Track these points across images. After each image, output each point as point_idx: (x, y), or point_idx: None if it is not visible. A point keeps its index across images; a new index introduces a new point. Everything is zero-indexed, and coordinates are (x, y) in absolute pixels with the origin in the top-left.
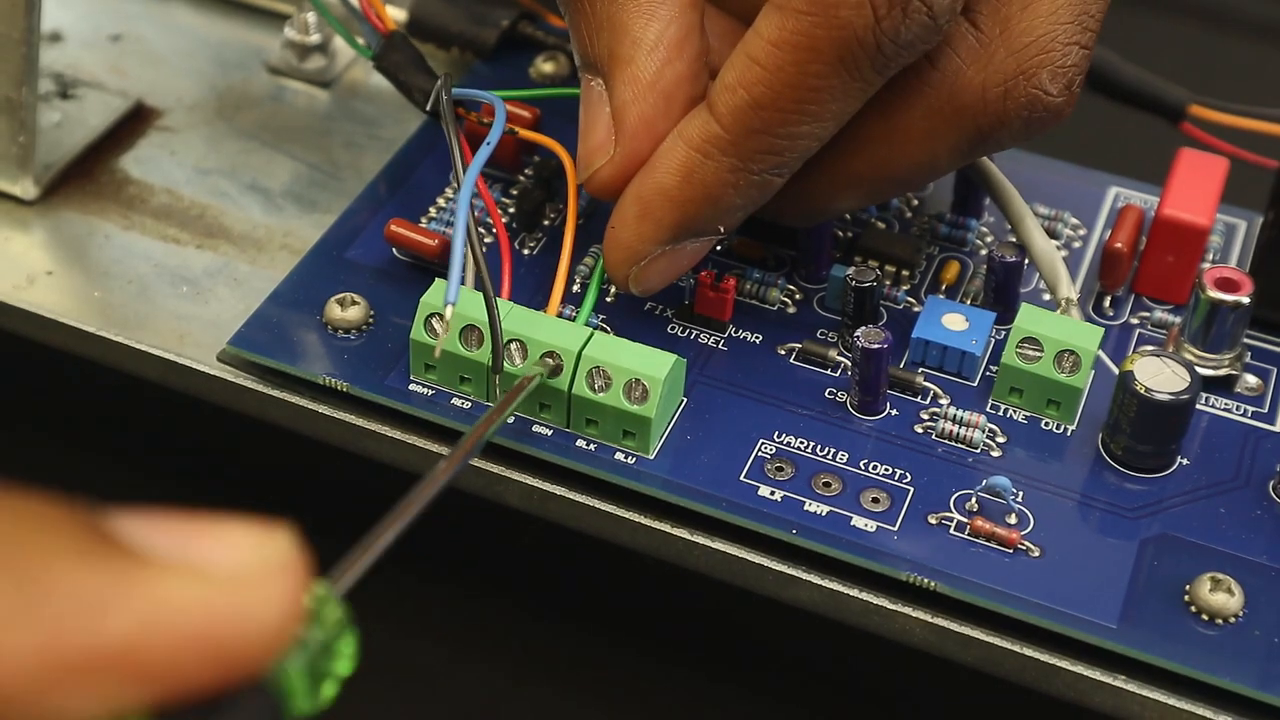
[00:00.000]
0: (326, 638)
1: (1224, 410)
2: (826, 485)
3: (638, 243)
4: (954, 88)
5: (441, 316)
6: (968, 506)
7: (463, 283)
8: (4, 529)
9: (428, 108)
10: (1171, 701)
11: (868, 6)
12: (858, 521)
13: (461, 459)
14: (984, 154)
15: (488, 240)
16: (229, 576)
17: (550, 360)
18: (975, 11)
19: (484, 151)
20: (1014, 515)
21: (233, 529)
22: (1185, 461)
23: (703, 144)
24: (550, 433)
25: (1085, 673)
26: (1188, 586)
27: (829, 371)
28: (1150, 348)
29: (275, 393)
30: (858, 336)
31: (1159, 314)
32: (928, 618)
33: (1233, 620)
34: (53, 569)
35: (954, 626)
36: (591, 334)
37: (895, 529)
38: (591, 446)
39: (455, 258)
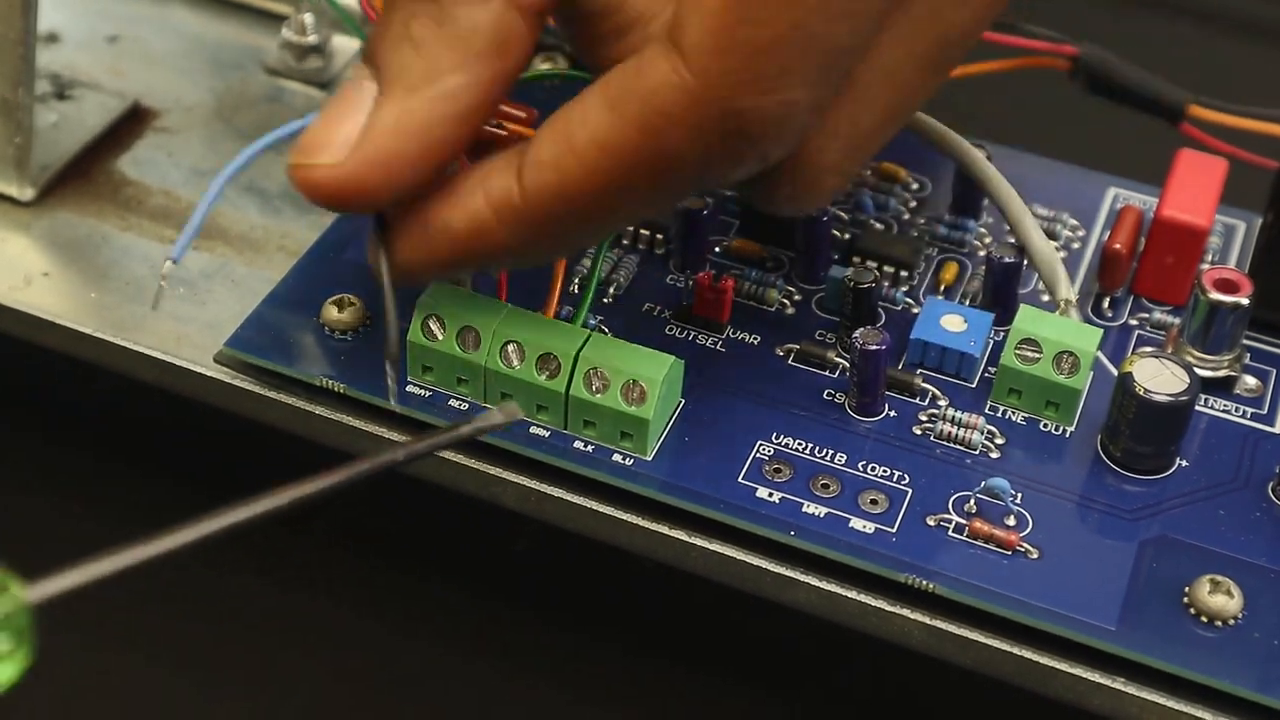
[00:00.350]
0: None
1: (1223, 412)
2: (825, 487)
3: (410, 264)
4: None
5: (439, 317)
6: (966, 508)
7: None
8: None
9: None
10: (1171, 704)
11: (700, 145)
12: (856, 523)
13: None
14: None
15: None
16: None
17: (511, 405)
18: None
19: None
20: (1013, 517)
21: None
22: (1184, 463)
23: (500, 207)
24: (547, 434)
25: (1084, 675)
26: (1187, 588)
27: (827, 373)
28: (1149, 349)
29: (272, 394)
30: (856, 337)
31: (1158, 315)
32: (926, 620)
33: (1232, 622)
34: None
35: (952, 628)
36: (589, 335)
37: (893, 531)
38: (589, 448)
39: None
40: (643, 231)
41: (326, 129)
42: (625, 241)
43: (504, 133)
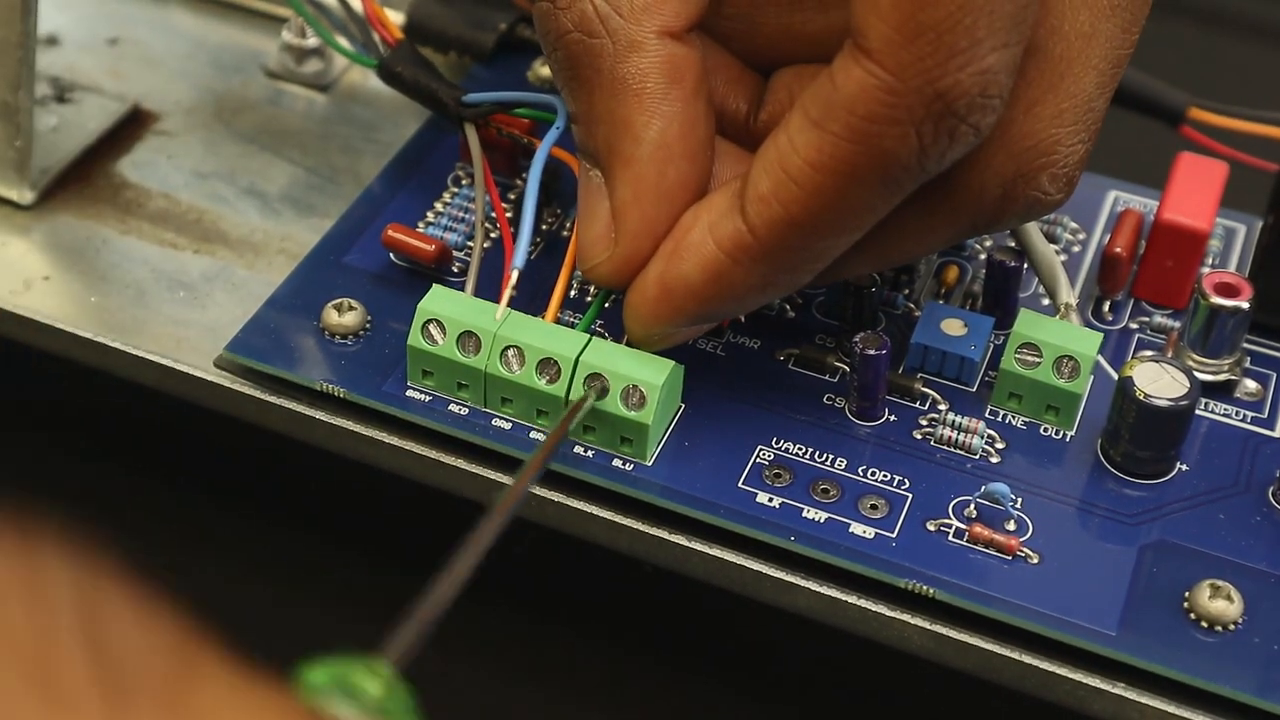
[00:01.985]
0: None
1: (1223, 416)
2: (825, 491)
3: (654, 322)
4: (950, 188)
5: (439, 322)
6: (966, 513)
7: (461, 289)
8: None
9: (461, 113)
10: (1171, 709)
11: (913, 135)
12: (856, 528)
13: (522, 491)
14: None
15: (493, 236)
16: None
17: (597, 382)
18: None
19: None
20: (1013, 521)
21: None
22: (1184, 467)
23: (733, 249)
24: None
25: (1084, 680)
26: (1187, 593)
27: (827, 377)
28: (1149, 353)
29: (272, 398)
30: (856, 342)
31: (1158, 319)
32: (926, 624)
33: (1232, 627)
34: None
35: (952, 633)
36: (589, 340)
37: (893, 535)
38: (589, 453)
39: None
40: None
41: (586, 230)
42: None
43: (507, 141)
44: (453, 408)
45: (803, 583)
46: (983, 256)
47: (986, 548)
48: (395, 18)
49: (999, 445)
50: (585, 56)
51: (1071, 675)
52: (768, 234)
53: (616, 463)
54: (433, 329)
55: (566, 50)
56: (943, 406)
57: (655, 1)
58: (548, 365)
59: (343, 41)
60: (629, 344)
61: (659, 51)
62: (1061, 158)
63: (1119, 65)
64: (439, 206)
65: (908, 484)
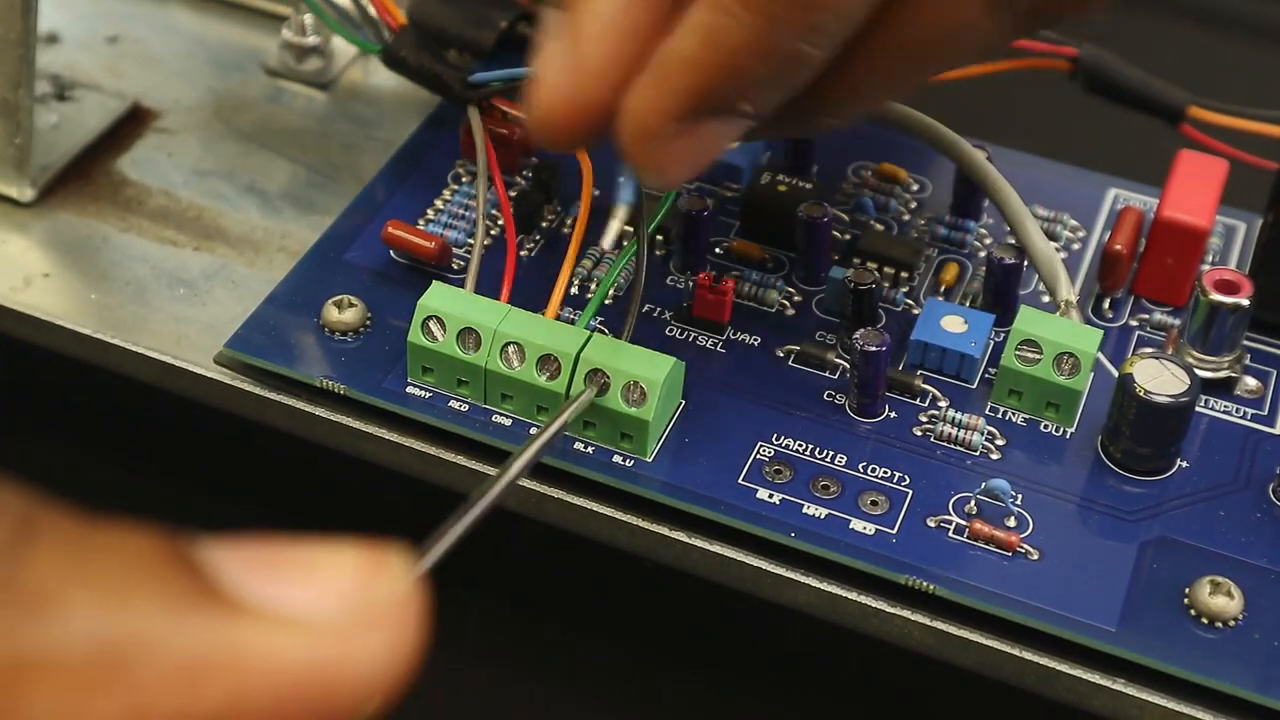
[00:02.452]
0: None
1: (1224, 413)
2: (825, 488)
3: (652, 115)
4: None
5: (439, 319)
6: (967, 509)
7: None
8: (92, 566)
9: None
10: (1171, 705)
11: None
12: (856, 524)
13: (505, 484)
14: (1027, 25)
15: (492, 233)
16: (334, 626)
17: (599, 378)
18: None
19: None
20: (1013, 518)
21: (334, 559)
22: (1185, 464)
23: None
24: None
25: (1084, 676)
26: (1187, 590)
27: (827, 374)
28: (1150, 350)
29: (272, 395)
30: (856, 339)
31: (1158, 316)
32: (926, 621)
33: (1232, 624)
34: (140, 618)
35: (953, 630)
36: (590, 336)
37: (894, 532)
38: (589, 449)
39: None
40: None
41: (542, 68)
42: (625, 242)
43: (510, 134)
44: (453, 404)
45: (803, 579)
46: (983, 254)
47: (987, 544)
48: None
49: (999, 442)
50: None
51: (1071, 671)
52: None
53: (617, 459)
54: (433, 325)
55: None
56: (943, 403)
57: None
58: (548, 361)
59: (346, 28)
60: (645, 186)
61: None
62: None
63: None
64: (439, 203)
65: (908, 480)
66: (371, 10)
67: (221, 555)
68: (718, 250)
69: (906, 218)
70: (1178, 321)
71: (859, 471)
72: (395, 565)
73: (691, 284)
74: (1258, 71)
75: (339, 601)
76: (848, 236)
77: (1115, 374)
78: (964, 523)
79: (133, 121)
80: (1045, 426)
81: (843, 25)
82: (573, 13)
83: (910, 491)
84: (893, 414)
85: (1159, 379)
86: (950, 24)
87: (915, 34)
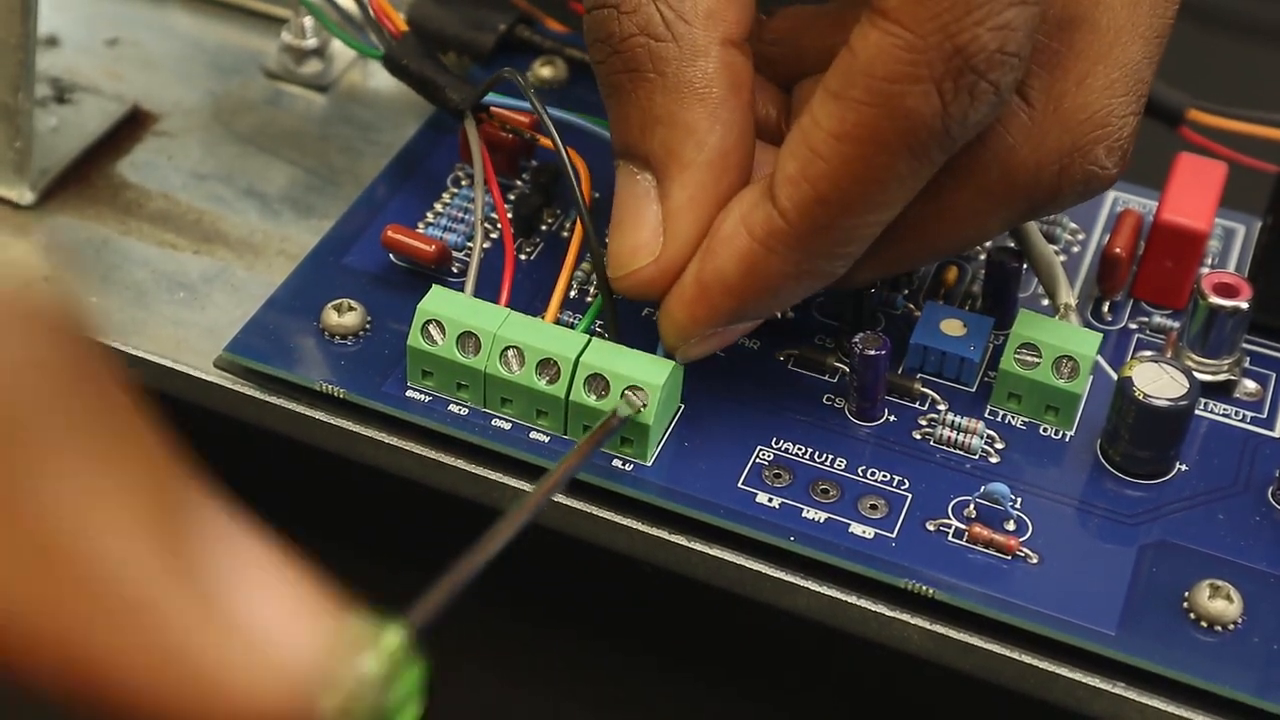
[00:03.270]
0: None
1: (1223, 416)
2: (824, 492)
3: (691, 325)
4: (1006, 166)
5: (439, 323)
6: (966, 513)
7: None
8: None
9: (465, 105)
10: (1170, 709)
11: (934, 93)
12: (856, 528)
13: (538, 503)
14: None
15: (493, 236)
16: (290, 673)
17: (634, 395)
18: (1027, 86)
19: None
20: (1012, 522)
21: (321, 612)
22: (1184, 467)
23: (767, 237)
24: (547, 439)
25: (1084, 680)
26: (1186, 593)
27: (827, 378)
28: (1149, 353)
29: (272, 399)
30: (856, 342)
31: (1157, 319)
32: (926, 625)
33: (1231, 627)
34: (115, 565)
35: (952, 633)
36: (589, 341)
37: (893, 536)
38: None
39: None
40: None
41: (628, 235)
42: None
43: (511, 138)
44: (452, 408)
45: (802, 583)
46: (982, 257)
47: (986, 548)
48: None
49: (998, 445)
50: (649, 60)
51: (1071, 675)
52: (798, 216)
53: (616, 463)
54: (432, 329)
55: (629, 53)
56: (942, 407)
57: (718, 9)
58: (547, 365)
59: (348, 33)
60: (665, 354)
61: (722, 58)
62: (1115, 129)
63: (1163, 35)
64: (438, 207)
65: (907, 484)
66: (371, 13)
67: (208, 530)
68: None
69: None
70: (1177, 324)
71: (858, 475)
72: (372, 652)
73: None
74: (1258, 72)
75: (308, 655)
76: None
77: (1114, 377)
78: (963, 526)
79: (132, 124)
80: (1044, 430)
81: (869, 242)
82: (664, 181)
83: (909, 495)
84: (892, 418)
85: (1158, 382)
86: (971, 237)
87: (938, 244)
